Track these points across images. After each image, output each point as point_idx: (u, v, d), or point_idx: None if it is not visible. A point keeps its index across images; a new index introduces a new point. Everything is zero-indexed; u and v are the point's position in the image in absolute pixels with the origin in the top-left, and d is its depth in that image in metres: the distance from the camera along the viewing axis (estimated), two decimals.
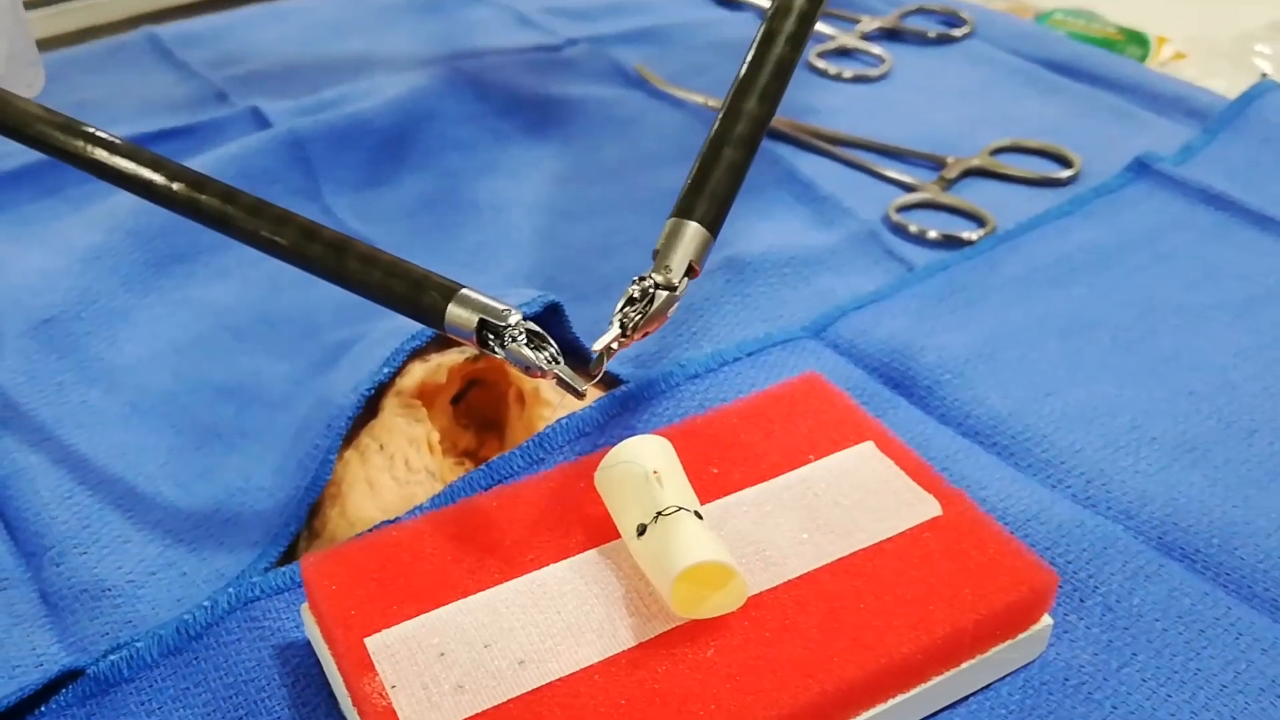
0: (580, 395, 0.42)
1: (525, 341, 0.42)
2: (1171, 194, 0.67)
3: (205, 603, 0.45)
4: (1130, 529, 0.48)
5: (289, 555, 0.50)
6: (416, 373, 0.52)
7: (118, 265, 0.66)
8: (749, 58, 0.49)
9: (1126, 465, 0.51)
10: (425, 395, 0.52)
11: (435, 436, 0.51)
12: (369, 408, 0.53)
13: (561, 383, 0.42)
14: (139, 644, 0.44)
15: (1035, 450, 0.52)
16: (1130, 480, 0.50)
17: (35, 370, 0.59)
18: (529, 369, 0.42)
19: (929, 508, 0.45)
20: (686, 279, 0.44)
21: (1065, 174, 0.71)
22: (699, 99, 0.82)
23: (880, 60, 0.86)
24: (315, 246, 0.45)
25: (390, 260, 0.44)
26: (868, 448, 0.48)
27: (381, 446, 0.50)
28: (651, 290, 0.43)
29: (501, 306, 0.42)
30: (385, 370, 0.52)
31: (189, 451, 0.56)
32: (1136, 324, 0.59)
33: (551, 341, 0.42)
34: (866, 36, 0.89)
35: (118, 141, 0.49)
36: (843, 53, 0.88)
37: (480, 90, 0.82)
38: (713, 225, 0.45)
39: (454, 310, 0.42)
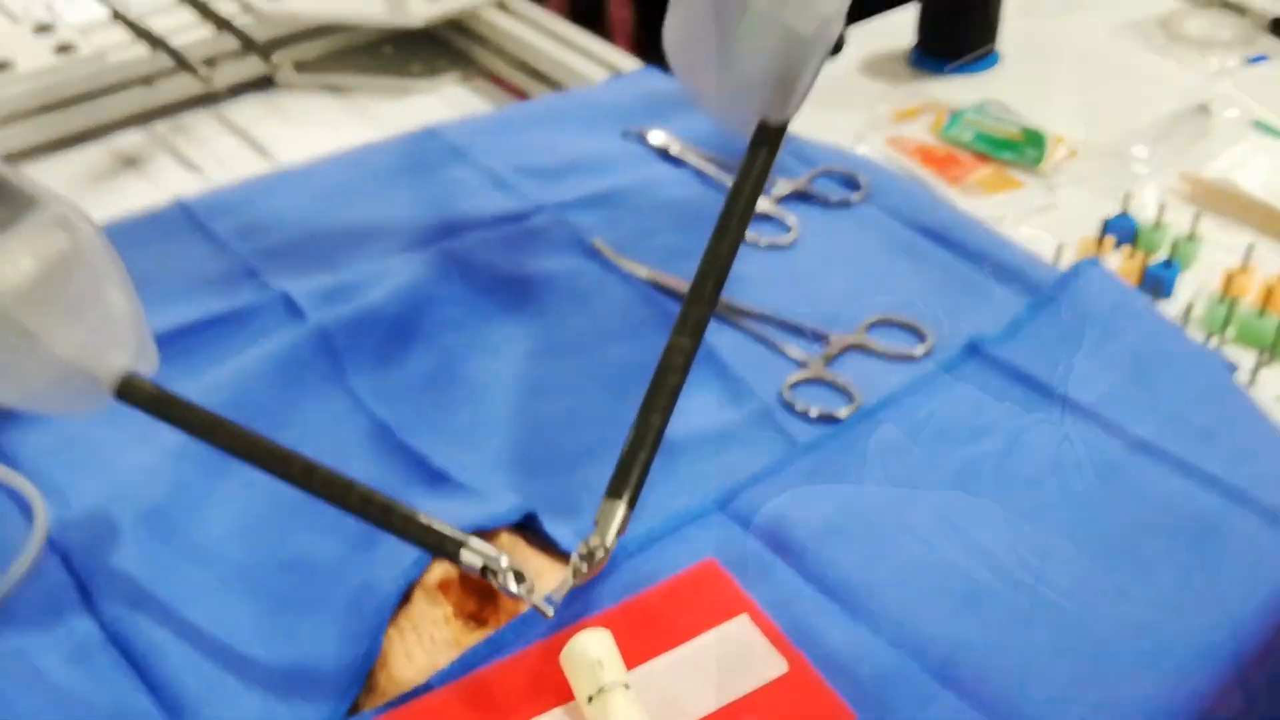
0: (548, 616, 0.71)
1: (513, 578, 0.71)
2: (992, 373, 0.96)
3: None
4: (922, 666, 0.77)
5: (354, 703, 0.79)
6: (437, 571, 0.81)
7: (197, 456, 0.94)
8: (652, 382, 0.77)
9: (927, 614, 0.80)
10: (444, 585, 0.81)
11: (450, 612, 0.81)
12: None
13: (534, 607, 0.71)
14: None
15: (868, 604, 0.81)
16: (928, 626, 0.79)
17: (150, 556, 0.88)
18: (514, 597, 0.71)
19: (780, 666, 0.74)
20: (618, 537, 0.73)
21: (920, 350, 1.00)
22: (643, 272, 1.10)
23: (789, 228, 1.14)
24: (372, 508, 0.74)
25: (424, 521, 0.73)
26: (744, 619, 0.77)
27: (414, 627, 0.79)
28: (594, 549, 0.72)
29: (494, 553, 0.71)
30: (416, 570, 0.81)
31: (269, 619, 0.84)
32: (953, 492, 0.88)
33: (529, 576, 0.71)
34: (780, 201, 1.17)
35: (229, 427, 0.77)
36: (760, 218, 1.16)
37: (466, 272, 1.10)
38: (633, 500, 0.74)
39: (465, 555, 0.72)
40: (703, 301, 0.79)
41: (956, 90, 1.51)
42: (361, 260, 1.12)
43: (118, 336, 0.79)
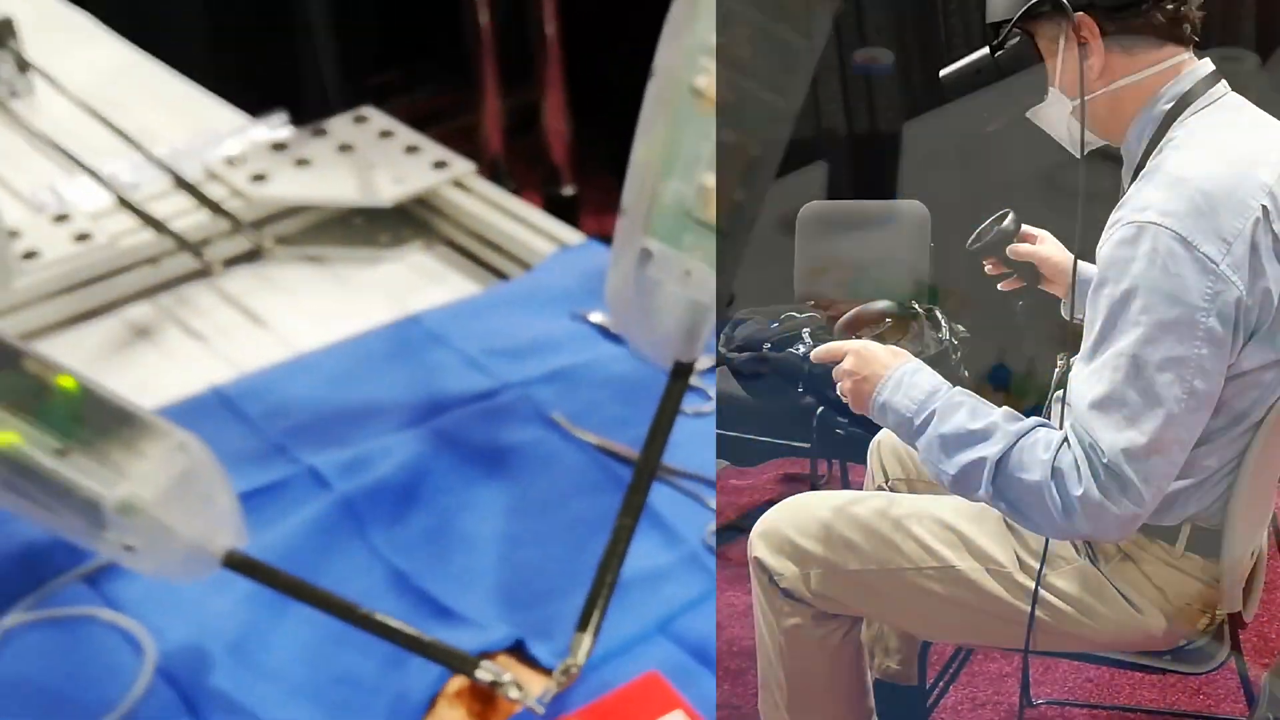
0: (539, 714, 1.12)
1: (514, 688, 1.12)
2: None
3: None
4: None
5: None
6: (454, 683, 1.21)
7: (261, 599, 1.33)
8: (606, 549, 1.18)
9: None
10: (459, 693, 1.22)
11: (465, 713, 1.21)
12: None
13: (528, 709, 1.12)
14: None
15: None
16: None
17: (237, 677, 1.27)
18: (513, 701, 1.12)
19: None
20: (586, 658, 1.14)
21: None
22: (594, 440, 1.51)
23: (710, 397, 1.56)
24: (415, 643, 1.14)
25: (451, 650, 1.14)
26: (678, 714, 1.18)
27: None
28: (569, 667, 1.13)
29: (499, 670, 1.12)
30: (440, 683, 1.21)
31: None
32: None
33: (523, 686, 1.12)
34: (703, 373, 1.59)
35: (306, 586, 1.18)
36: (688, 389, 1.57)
37: (453, 446, 1.51)
38: (596, 632, 1.15)
39: (480, 673, 1.12)
40: (640, 491, 1.21)
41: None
42: (370, 436, 1.53)
43: (223, 522, 1.20)
